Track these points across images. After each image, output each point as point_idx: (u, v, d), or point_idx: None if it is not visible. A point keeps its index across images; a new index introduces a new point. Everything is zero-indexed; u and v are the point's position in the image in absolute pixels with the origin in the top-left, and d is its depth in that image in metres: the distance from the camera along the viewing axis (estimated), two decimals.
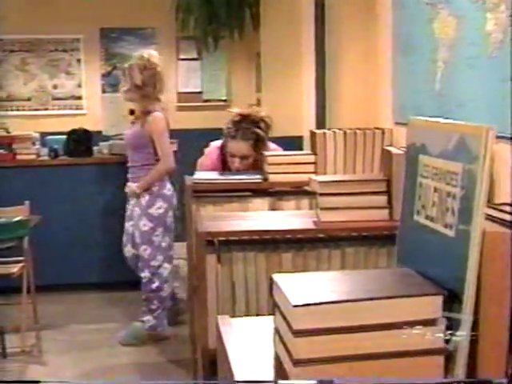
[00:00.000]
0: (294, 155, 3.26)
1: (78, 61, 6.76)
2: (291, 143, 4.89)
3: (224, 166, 3.50)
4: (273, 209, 2.87)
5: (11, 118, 6.30)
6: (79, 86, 6.78)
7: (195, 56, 6.85)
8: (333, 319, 1.02)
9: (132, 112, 5.39)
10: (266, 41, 5.73)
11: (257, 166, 3.44)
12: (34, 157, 5.23)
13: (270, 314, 1.25)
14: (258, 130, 3.36)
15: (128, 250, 4.51)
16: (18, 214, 4.20)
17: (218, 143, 3.53)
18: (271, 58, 5.73)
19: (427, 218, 1.17)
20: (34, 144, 5.24)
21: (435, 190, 1.15)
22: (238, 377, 1.09)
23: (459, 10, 2.51)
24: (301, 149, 5.98)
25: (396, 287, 1.10)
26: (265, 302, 2.16)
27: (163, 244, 4.43)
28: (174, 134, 5.80)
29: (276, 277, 1.14)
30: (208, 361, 2.11)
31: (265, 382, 1.06)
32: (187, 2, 6.03)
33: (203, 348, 2.13)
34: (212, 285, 2.14)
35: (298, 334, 1.02)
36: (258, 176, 3.19)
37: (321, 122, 6.06)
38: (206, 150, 3.62)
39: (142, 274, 4.43)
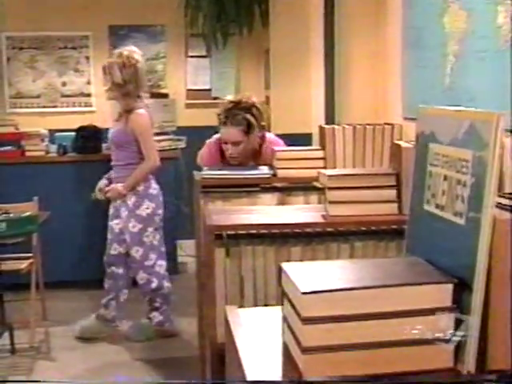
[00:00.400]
0: (303, 150, 3.25)
1: (87, 58, 6.78)
2: (300, 140, 4.87)
3: (222, 157, 3.52)
4: (281, 204, 2.87)
5: (20, 116, 6.33)
6: (88, 83, 6.80)
7: (204, 53, 6.85)
8: (341, 307, 1.02)
9: None
10: (275, 38, 5.74)
11: (250, 152, 3.47)
12: (42, 153, 5.25)
13: (278, 305, 1.25)
14: (249, 116, 3.39)
15: (114, 248, 4.46)
16: (26, 210, 4.21)
17: (217, 135, 3.57)
18: (280, 54, 5.73)
19: (437, 206, 1.16)
20: (42, 141, 5.26)
21: (445, 178, 1.14)
22: (246, 366, 1.08)
23: (470, 4, 2.50)
24: (310, 145, 5.98)
25: (405, 275, 1.09)
26: (273, 297, 2.16)
27: (154, 242, 4.40)
28: (182, 131, 5.84)
29: (285, 265, 1.14)
30: (216, 355, 2.11)
31: (273, 382, 1.05)
32: None
33: (211, 342, 2.13)
34: (220, 279, 2.14)
35: (307, 321, 1.01)
36: (267, 171, 3.19)
37: (330, 119, 6.06)
38: (207, 142, 3.66)
39: (138, 276, 4.42)
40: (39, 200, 4.45)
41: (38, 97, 6.75)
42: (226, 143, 3.45)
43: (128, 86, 4.25)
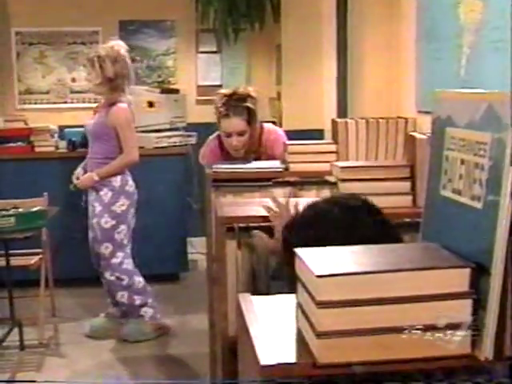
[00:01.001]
0: (315, 144, 3.25)
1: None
2: (312, 136, 4.88)
3: (223, 153, 3.52)
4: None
5: (30, 112, 6.34)
6: None
7: (215, 49, 6.85)
8: (357, 291, 1.01)
9: (151, 104, 5.43)
10: (287, 32, 5.73)
11: (252, 143, 3.46)
12: (52, 149, 5.26)
13: (291, 293, 1.25)
14: (248, 104, 3.39)
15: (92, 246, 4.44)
16: (36, 205, 4.22)
17: (216, 133, 3.59)
18: (292, 49, 5.72)
19: (454, 191, 1.15)
20: (52, 136, 5.27)
21: (462, 162, 1.13)
22: (259, 352, 1.08)
23: None
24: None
25: (421, 260, 1.09)
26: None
27: (124, 241, 4.34)
28: (192, 127, 5.83)
29: (299, 251, 1.14)
30: (227, 348, 2.11)
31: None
32: None
33: (223, 335, 2.13)
34: (232, 271, 2.14)
35: (322, 305, 1.01)
36: (279, 165, 3.19)
37: (342, 114, 6.03)
38: (207, 140, 3.67)
39: (107, 274, 4.34)
40: (49, 196, 4.47)
41: (47, 93, 6.76)
42: (229, 136, 3.44)
43: (118, 81, 4.22)
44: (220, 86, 6.90)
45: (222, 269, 2.15)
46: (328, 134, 6.37)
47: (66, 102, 6.74)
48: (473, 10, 2.56)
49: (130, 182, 4.34)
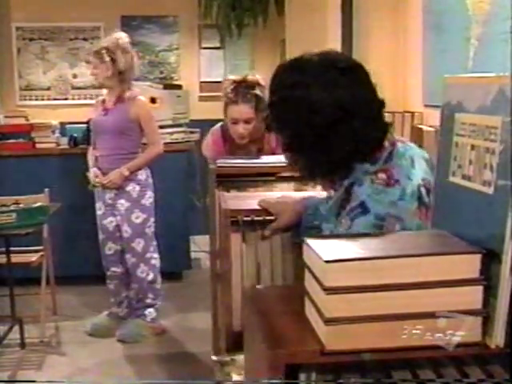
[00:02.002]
0: None
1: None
2: None
3: (225, 144, 3.52)
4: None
5: (31, 108, 6.35)
6: None
7: (218, 45, 6.85)
8: (365, 276, 1.01)
9: (153, 100, 5.42)
10: (291, 27, 5.72)
11: (257, 133, 3.45)
12: (53, 145, 5.27)
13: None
14: (257, 92, 3.38)
15: (109, 248, 4.41)
16: (37, 201, 4.22)
17: (219, 124, 3.59)
18: (296, 44, 5.71)
19: (464, 177, 1.15)
20: (53, 132, 5.28)
21: (472, 147, 1.13)
22: (268, 341, 1.07)
23: None
24: None
25: (431, 246, 1.08)
26: (291, 283, 2.15)
27: (152, 234, 4.41)
28: (195, 124, 5.84)
29: (308, 239, 1.14)
30: (232, 343, 2.11)
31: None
32: None
33: (227, 330, 2.13)
34: (237, 264, 2.14)
35: (330, 291, 1.00)
36: (283, 160, 3.18)
37: None
38: (210, 130, 3.67)
39: (139, 270, 4.36)
40: (50, 192, 4.47)
41: (48, 89, 6.77)
42: (235, 123, 3.44)
43: (127, 73, 4.23)
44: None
45: (226, 262, 2.15)
46: None
47: (67, 99, 6.75)
48: (481, 1, 2.56)
49: (150, 174, 4.39)
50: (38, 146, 5.24)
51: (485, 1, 2.54)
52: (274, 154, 3.48)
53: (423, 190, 1.55)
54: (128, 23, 6.76)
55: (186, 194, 5.53)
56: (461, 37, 2.72)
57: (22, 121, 5.34)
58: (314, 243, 1.11)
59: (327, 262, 1.00)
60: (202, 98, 6.81)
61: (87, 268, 5.25)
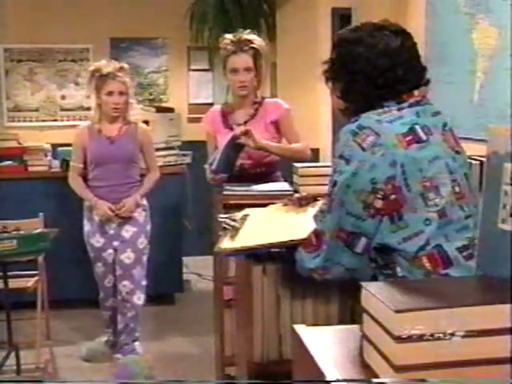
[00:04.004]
0: (325, 167, 3.30)
1: (87, 71, 6.81)
2: None
3: (224, 120, 3.67)
4: None
5: (19, 129, 6.34)
6: (88, 96, 6.81)
7: (207, 67, 6.91)
8: (433, 324, 1.05)
9: (146, 123, 5.43)
10: (283, 52, 5.81)
11: (256, 87, 3.64)
12: (46, 168, 5.25)
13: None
14: (255, 45, 3.52)
15: (109, 280, 4.32)
16: (32, 226, 4.21)
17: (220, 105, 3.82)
18: (287, 68, 5.79)
19: None
20: (46, 155, 5.27)
21: None
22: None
23: (501, 20, 2.56)
24: (317, 161, 6.03)
25: (491, 293, 1.13)
26: (310, 315, 2.19)
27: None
28: (185, 146, 5.86)
29: (365, 284, 1.18)
30: (254, 374, 2.14)
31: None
32: (202, 11, 6.11)
33: (248, 362, 2.16)
34: (257, 297, 2.17)
35: (400, 339, 1.05)
36: (289, 188, 3.24)
37: (338, 134, 6.04)
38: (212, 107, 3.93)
39: (135, 296, 4.26)
40: (43, 216, 4.46)
41: (36, 110, 6.77)
42: (235, 72, 3.53)
43: (131, 98, 4.24)
44: (211, 104, 6.95)
45: (246, 295, 2.18)
46: (323, 154, 6.46)
47: (55, 120, 6.74)
48: (487, 36, 2.63)
49: None
50: (30, 169, 5.23)
51: (491, 36, 2.62)
52: (266, 129, 3.57)
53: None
54: (117, 45, 6.79)
55: (179, 216, 5.55)
56: (466, 69, 2.79)
57: (13, 144, 5.33)
58: (374, 289, 1.15)
59: (398, 311, 1.05)
60: (190, 120, 6.83)
61: (78, 292, 5.24)
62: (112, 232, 4.25)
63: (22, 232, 3.68)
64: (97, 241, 4.28)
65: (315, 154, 5.98)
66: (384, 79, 1.84)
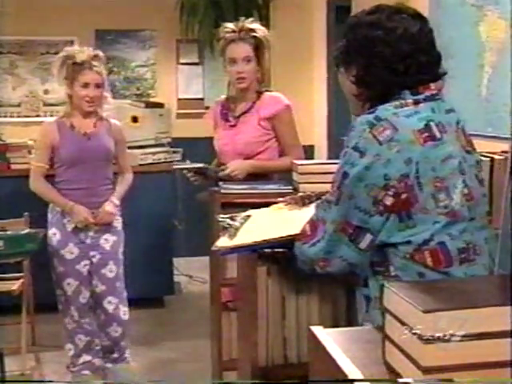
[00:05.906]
0: (325, 164, 3.31)
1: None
2: None
3: (223, 113, 3.70)
4: None
5: (0, 126, 6.30)
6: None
7: (196, 60, 6.89)
8: (461, 324, 1.07)
9: (135, 119, 5.44)
10: (276, 45, 5.80)
11: (257, 79, 3.61)
12: (29, 166, 5.21)
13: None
14: (257, 34, 3.50)
15: (84, 296, 3.98)
16: (17, 226, 4.20)
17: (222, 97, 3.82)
18: (281, 62, 5.79)
19: None
20: (29, 153, 5.24)
21: None
22: None
23: (509, 12, 2.58)
24: (312, 158, 6.05)
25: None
26: (316, 317, 2.21)
27: None
28: (174, 142, 5.86)
29: (388, 284, 1.19)
30: (258, 377, 2.15)
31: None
32: (192, 3, 6.10)
33: (253, 365, 2.17)
34: (262, 299, 2.18)
35: (428, 340, 1.06)
36: (289, 186, 3.26)
37: (332, 131, 6.11)
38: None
39: (121, 312, 3.99)
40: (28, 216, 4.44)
41: (18, 105, 6.73)
42: (234, 63, 3.53)
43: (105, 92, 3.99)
44: (202, 100, 6.95)
45: (250, 297, 2.19)
46: (319, 150, 6.48)
47: (38, 115, 6.70)
48: (496, 28, 2.65)
49: None
50: (13, 167, 5.21)
51: (499, 29, 2.64)
52: (259, 124, 3.58)
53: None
54: (103, 37, 6.76)
55: (169, 215, 5.55)
56: (473, 63, 2.81)
57: None
58: (398, 289, 1.17)
59: (426, 312, 1.06)
60: (179, 116, 6.82)
61: None
62: (89, 241, 3.93)
63: (8, 232, 3.67)
64: (69, 252, 3.90)
65: (310, 151, 6.01)
66: (405, 66, 1.83)
